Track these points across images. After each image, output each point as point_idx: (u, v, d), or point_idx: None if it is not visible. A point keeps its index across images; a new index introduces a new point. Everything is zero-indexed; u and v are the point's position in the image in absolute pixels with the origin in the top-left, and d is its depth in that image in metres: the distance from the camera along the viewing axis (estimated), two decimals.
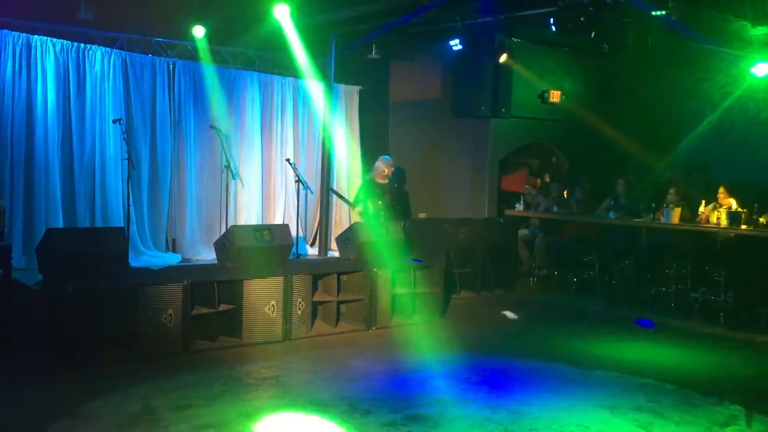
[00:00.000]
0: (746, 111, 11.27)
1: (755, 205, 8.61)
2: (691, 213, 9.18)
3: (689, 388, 5.54)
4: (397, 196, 9.18)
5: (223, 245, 7.21)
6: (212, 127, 10.42)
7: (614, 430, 4.63)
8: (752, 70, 10.11)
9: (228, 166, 9.74)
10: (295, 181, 10.37)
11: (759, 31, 9.13)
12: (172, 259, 10.16)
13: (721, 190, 8.97)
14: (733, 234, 8.48)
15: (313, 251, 11.55)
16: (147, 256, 9.92)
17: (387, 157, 9.39)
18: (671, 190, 9.47)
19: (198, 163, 10.69)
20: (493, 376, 5.72)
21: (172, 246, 10.58)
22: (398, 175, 10.79)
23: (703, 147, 12.27)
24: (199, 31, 9.72)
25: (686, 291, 8.61)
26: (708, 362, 6.56)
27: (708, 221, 8.82)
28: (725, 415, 5.00)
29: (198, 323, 6.21)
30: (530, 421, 4.72)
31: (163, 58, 10.37)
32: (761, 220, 8.37)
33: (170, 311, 5.96)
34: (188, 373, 5.58)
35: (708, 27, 9.69)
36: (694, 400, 5.29)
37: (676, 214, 8.70)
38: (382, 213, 8.79)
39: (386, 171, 9.04)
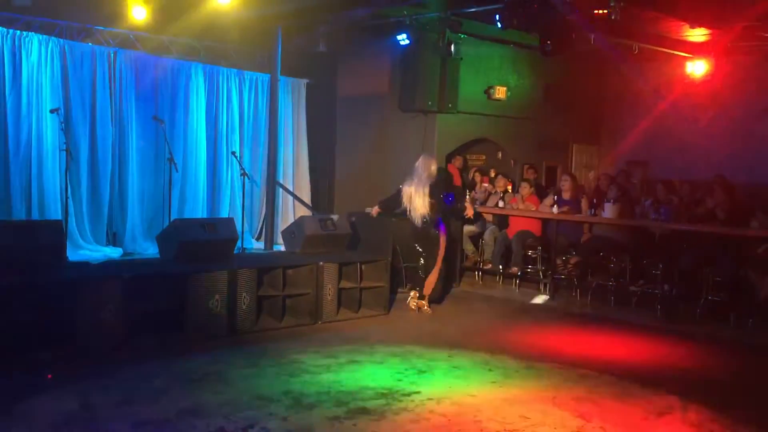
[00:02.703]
0: (684, 109, 11.63)
1: (690, 203, 8.89)
2: (631, 208, 9.41)
3: (627, 379, 5.69)
4: (440, 194, 8.32)
5: (166, 239, 7.07)
6: (155, 118, 10.20)
7: (555, 420, 4.71)
8: (689, 70, 10.42)
9: (171, 159, 9.56)
10: (241, 174, 10.25)
11: (697, 32, 9.40)
12: (113, 253, 9.94)
13: (660, 186, 9.22)
14: (669, 230, 8.73)
15: (258, 245, 11.45)
16: (86, 250, 9.68)
17: (428, 156, 8.35)
18: (612, 186, 9.71)
19: (140, 154, 10.47)
20: (438, 369, 5.76)
21: (113, 240, 10.35)
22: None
23: (644, 144, 12.63)
24: (139, 13, 9.41)
25: (625, 284, 8.85)
26: (645, 353, 6.74)
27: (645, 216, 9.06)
28: (661, 404, 5.14)
29: (140, 318, 6.08)
30: (473, 412, 4.77)
31: (103, 47, 10.11)
32: (697, 215, 8.64)
33: (110, 306, 5.81)
34: (129, 369, 5.46)
35: (648, 28, 9.95)
36: (632, 390, 5.43)
37: (616, 210, 8.90)
38: (428, 215, 7.94)
39: (432, 171, 8.10)
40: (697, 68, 10.30)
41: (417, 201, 7.89)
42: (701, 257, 8.23)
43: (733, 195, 8.66)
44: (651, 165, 12.65)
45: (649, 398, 5.27)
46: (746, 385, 5.88)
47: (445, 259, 8.16)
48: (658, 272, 8.58)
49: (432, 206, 7.91)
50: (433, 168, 8.06)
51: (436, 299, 8.25)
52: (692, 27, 8.99)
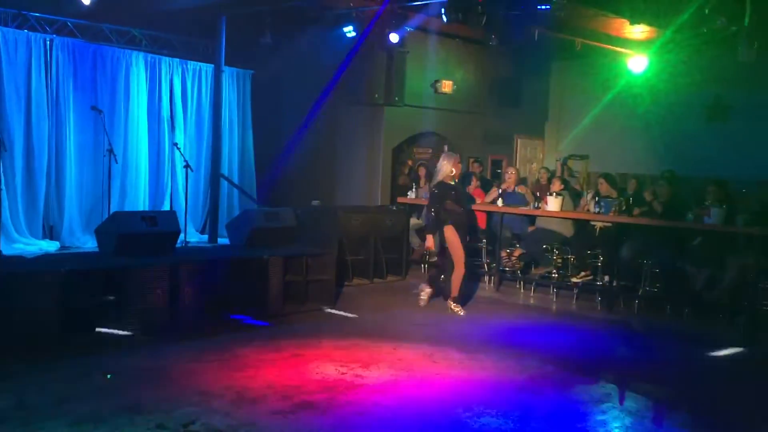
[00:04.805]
0: (625, 105, 11.89)
1: (630, 197, 9.10)
2: (573, 202, 9.59)
3: (568, 369, 5.80)
4: (463, 198, 8.11)
5: (105, 232, 6.89)
6: (94, 108, 9.91)
7: (497, 409, 4.75)
8: (630, 66, 10.65)
9: (111, 150, 9.31)
10: (184, 167, 10.06)
11: (637, 29, 9.61)
12: (50, 246, 9.65)
13: (601, 180, 9.42)
14: (610, 222, 8.93)
15: (202, 238, 11.27)
16: (21, 243, 9.38)
17: (451, 155, 8.04)
18: (555, 180, 9.88)
19: (78, 145, 10.17)
20: (383, 362, 5.76)
21: (50, 233, 10.04)
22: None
23: (587, 138, 12.87)
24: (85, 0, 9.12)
25: (567, 276, 9.02)
26: (586, 343, 6.88)
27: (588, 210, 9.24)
28: (601, 393, 5.27)
29: (77, 313, 5.91)
30: (418, 405, 4.80)
31: (39, 34, 9.78)
32: (636, 208, 8.85)
33: (46, 301, 5.63)
34: (66, 365, 5.31)
35: (590, 23, 10.13)
36: (572, 380, 5.54)
37: (558, 203, 9.06)
38: (453, 217, 7.72)
39: (455, 171, 7.83)
40: (637, 64, 10.53)
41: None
42: (640, 249, 8.44)
43: (675, 189, 8.90)
44: (593, 158, 12.90)
45: (588, 387, 5.38)
46: (680, 373, 6.06)
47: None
48: (599, 264, 8.78)
49: (430, 208, 7.87)
50: (444, 168, 7.77)
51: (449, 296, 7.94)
52: (632, 24, 9.18)
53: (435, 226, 7.81)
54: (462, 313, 7.72)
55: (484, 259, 9.82)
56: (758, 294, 7.56)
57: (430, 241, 7.91)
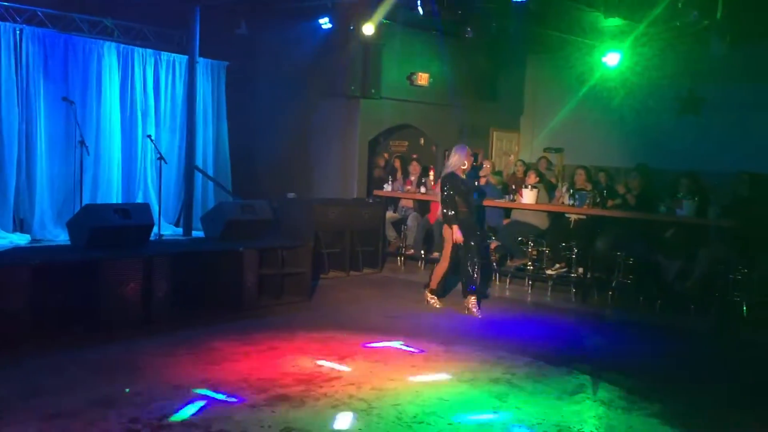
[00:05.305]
0: (600, 98, 11.98)
1: (604, 189, 9.18)
2: (548, 194, 9.65)
3: (542, 360, 5.84)
4: (471, 193, 7.76)
5: (77, 225, 6.79)
6: (65, 99, 9.76)
7: (472, 401, 4.80)
8: (604, 59, 10.72)
9: (83, 142, 9.18)
10: (157, 159, 9.95)
11: (610, 23, 9.68)
12: (20, 240, 9.51)
13: (580, 171, 9.50)
14: (584, 215, 9.01)
15: (177, 231, 11.17)
16: None
17: (464, 147, 7.69)
18: (531, 173, 9.93)
19: (49, 137, 10.03)
20: (359, 355, 5.76)
21: (21, 226, 9.90)
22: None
23: (562, 131, 12.95)
24: None
25: (542, 268, 9.08)
26: (560, 335, 6.94)
27: (563, 202, 9.31)
28: (574, 384, 5.31)
29: (49, 307, 5.83)
30: (393, 397, 4.80)
31: (9, 24, 9.61)
32: (609, 201, 8.93)
33: (17, 295, 5.54)
34: (38, 360, 5.24)
35: (564, 17, 10.18)
36: (546, 371, 5.58)
37: (533, 196, 9.11)
38: (464, 211, 7.44)
39: (466, 164, 7.52)
40: (611, 57, 10.61)
41: None
42: (614, 242, 8.52)
43: (648, 182, 9.00)
44: (568, 151, 12.99)
45: (562, 378, 5.42)
46: (653, 364, 6.13)
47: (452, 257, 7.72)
48: (574, 256, 8.85)
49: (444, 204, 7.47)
50: (455, 160, 7.45)
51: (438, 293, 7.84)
52: (606, 17, 9.24)
53: (453, 218, 7.37)
54: (438, 306, 7.69)
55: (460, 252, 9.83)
56: (729, 285, 7.67)
57: (457, 233, 7.36)
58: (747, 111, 10.80)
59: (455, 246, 7.43)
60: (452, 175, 7.43)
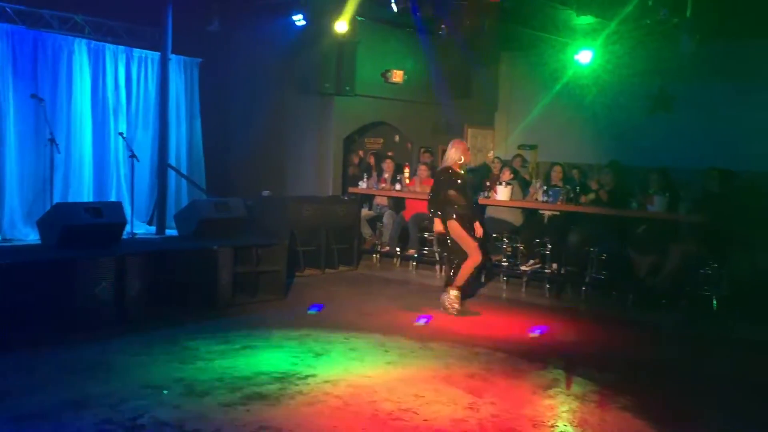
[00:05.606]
0: (573, 96, 12.08)
1: (577, 185, 9.27)
2: (522, 191, 9.71)
3: (517, 356, 5.89)
4: (468, 188, 7.68)
5: (47, 224, 6.71)
6: (34, 96, 9.62)
7: (448, 397, 4.81)
8: (577, 57, 10.81)
9: (53, 140, 9.05)
10: (130, 156, 9.85)
11: (583, 21, 9.76)
12: None
13: (556, 169, 9.58)
14: (558, 212, 9.09)
15: (150, 230, 11.07)
16: None
17: (461, 141, 7.74)
18: (505, 170, 9.99)
19: (18, 135, 9.87)
20: (334, 352, 5.76)
21: None
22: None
23: (536, 128, 13.04)
24: None
25: (517, 264, 9.15)
26: (534, 330, 6.97)
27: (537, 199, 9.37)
28: (548, 378, 5.37)
29: (19, 308, 5.73)
30: (369, 393, 4.80)
31: None
32: (582, 197, 9.01)
33: None
34: (8, 361, 5.17)
35: (538, 15, 10.25)
36: (521, 366, 5.63)
37: (507, 192, 9.17)
38: (462, 205, 7.37)
39: (463, 158, 7.45)
40: (584, 55, 10.70)
41: None
42: (587, 237, 8.60)
43: (620, 178, 9.09)
44: (542, 148, 13.08)
45: (537, 373, 5.47)
46: (625, 358, 6.20)
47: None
48: (548, 252, 8.92)
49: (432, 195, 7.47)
50: (452, 154, 7.39)
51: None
52: (578, 15, 9.32)
53: (439, 209, 7.38)
54: (454, 311, 7.26)
55: (435, 249, 9.88)
56: (699, 280, 7.79)
57: (438, 225, 7.42)
58: (717, 108, 10.95)
59: (440, 238, 7.36)
60: (448, 170, 7.42)
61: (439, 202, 7.39)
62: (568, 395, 5.02)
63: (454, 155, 7.40)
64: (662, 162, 9.57)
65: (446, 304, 7.38)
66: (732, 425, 4.70)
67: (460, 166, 7.45)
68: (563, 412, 4.74)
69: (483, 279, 9.27)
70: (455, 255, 7.46)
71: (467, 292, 7.81)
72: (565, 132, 12.58)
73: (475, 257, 7.26)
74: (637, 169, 10.03)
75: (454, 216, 7.30)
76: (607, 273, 8.41)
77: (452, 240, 7.39)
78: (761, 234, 7.62)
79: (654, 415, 4.66)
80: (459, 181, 7.39)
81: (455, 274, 7.44)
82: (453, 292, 7.35)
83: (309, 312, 7.02)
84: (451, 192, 7.32)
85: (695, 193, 8.53)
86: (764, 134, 10.34)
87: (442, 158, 8.21)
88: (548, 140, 12.83)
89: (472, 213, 7.53)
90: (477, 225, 7.45)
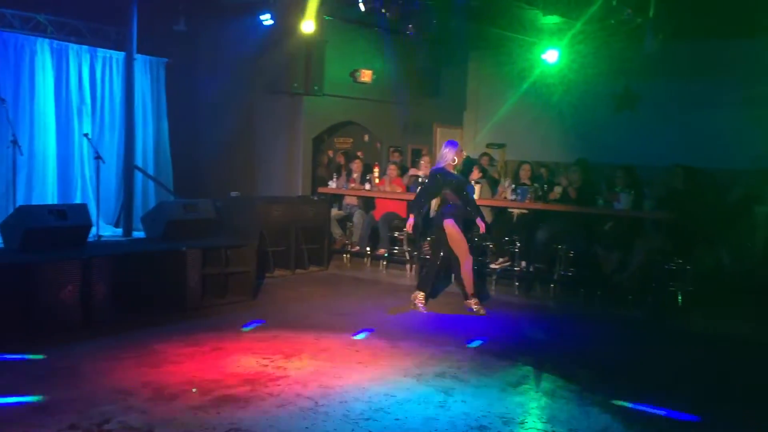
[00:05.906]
0: (540, 95, 12.18)
1: (545, 183, 9.36)
2: (491, 189, 9.77)
3: (487, 354, 5.93)
4: (464, 188, 7.62)
5: (10, 227, 6.58)
6: None
7: (418, 396, 4.82)
8: (543, 56, 10.90)
9: (15, 141, 8.87)
10: (95, 158, 9.69)
11: (549, 20, 9.85)
12: None
13: (524, 167, 9.63)
14: (526, 210, 9.17)
15: (117, 232, 10.90)
16: None
17: (455, 142, 7.64)
18: (474, 169, 10.04)
19: None
20: (305, 353, 5.74)
21: None
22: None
23: (504, 127, 13.13)
24: None
25: (486, 262, 9.20)
26: (504, 328, 7.04)
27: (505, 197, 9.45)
28: (518, 375, 5.41)
29: None
30: (341, 394, 4.79)
31: None
32: (551, 194, 9.11)
33: None
34: None
35: (505, 14, 10.32)
36: (491, 364, 5.66)
37: (476, 191, 9.21)
38: (456, 205, 7.38)
39: (456, 159, 7.44)
40: (550, 54, 10.79)
41: None
42: (555, 234, 8.69)
43: (587, 176, 9.20)
44: (510, 147, 13.17)
45: (506, 370, 5.51)
46: (594, 353, 6.27)
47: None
48: (517, 250, 8.99)
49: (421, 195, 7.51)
50: (446, 155, 7.39)
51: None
52: (544, 15, 9.41)
53: (418, 208, 7.46)
54: (483, 313, 7.38)
55: (405, 248, 9.90)
56: (665, 275, 7.91)
57: (411, 221, 7.51)
58: (680, 106, 11.12)
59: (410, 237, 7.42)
60: (441, 170, 7.41)
61: (429, 200, 7.47)
62: (538, 392, 5.08)
63: (448, 156, 7.44)
64: (627, 159, 9.70)
65: (474, 308, 7.40)
66: (701, 417, 4.76)
67: (454, 167, 7.49)
68: (533, 408, 4.78)
69: (453, 278, 9.30)
70: (434, 255, 7.54)
71: (435, 291, 7.90)
72: (533, 130, 12.68)
73: (467, 260, 7.42)
74: (604, 167, 10.15)
75: (451, 216, 7.36)
76: (575, 270, 8.51)
77: (445, 239, 7.39)
78: (724, 230, 7.77)
79: (622, 410, 4.72)
80: (454, 181, 7.44)
81: (428, 274, 7.58)
82: (472, 300, 7.46)
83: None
84: (447, 192, 7.38)
85: (660, 190, 8.67)
86: (727, 132, 10.53)
87: (418, 159, 8.26)
88: (516, 139, 12.93)
89: (467, 213, 7.55)
90: (479, 222, 7.48)
